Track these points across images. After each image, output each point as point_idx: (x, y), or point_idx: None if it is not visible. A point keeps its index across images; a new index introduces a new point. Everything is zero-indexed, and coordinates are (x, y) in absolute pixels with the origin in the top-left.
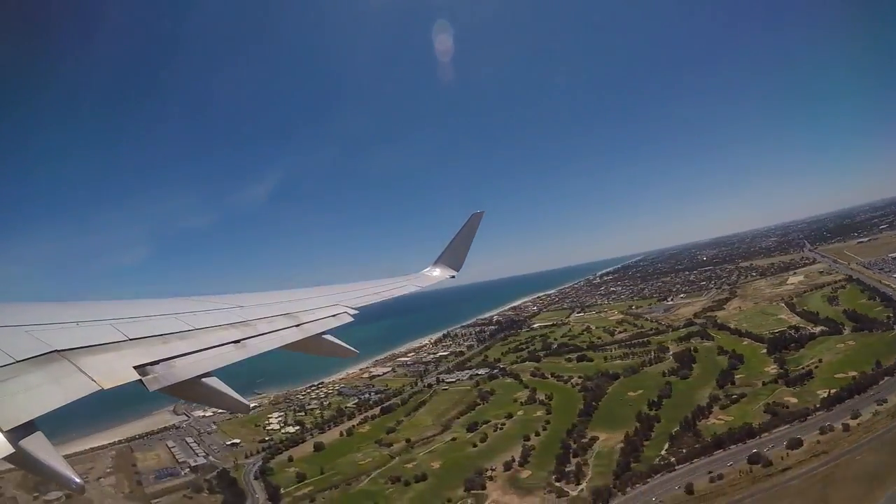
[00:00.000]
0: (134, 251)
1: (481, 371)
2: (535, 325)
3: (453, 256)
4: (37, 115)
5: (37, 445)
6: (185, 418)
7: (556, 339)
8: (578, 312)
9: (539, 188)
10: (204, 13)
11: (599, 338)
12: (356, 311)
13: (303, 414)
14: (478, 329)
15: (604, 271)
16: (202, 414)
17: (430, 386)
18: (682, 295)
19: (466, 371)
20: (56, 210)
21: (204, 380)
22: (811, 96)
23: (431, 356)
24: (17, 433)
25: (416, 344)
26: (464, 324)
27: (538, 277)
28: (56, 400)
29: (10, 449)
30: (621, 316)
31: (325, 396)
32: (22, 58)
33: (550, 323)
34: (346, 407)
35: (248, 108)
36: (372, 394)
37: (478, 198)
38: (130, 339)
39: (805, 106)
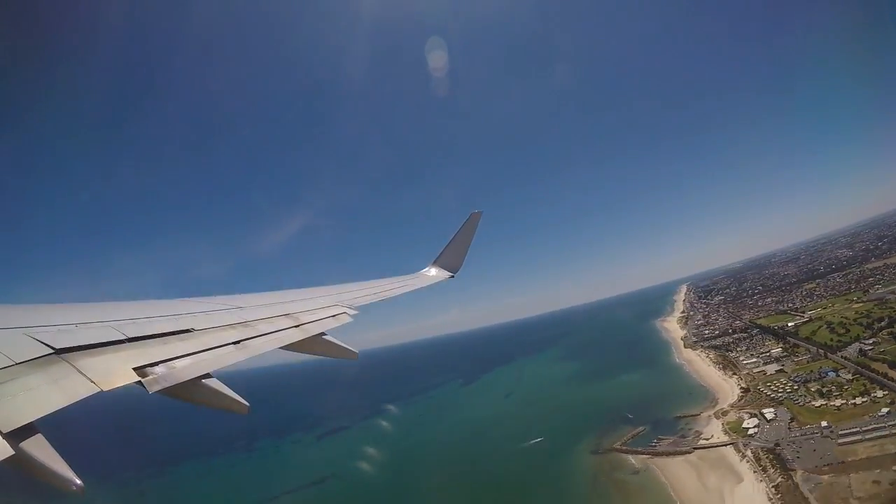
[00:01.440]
0: (141, 246)
1: None
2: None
3: (452, 257)
4: (41, 129)
5: (37, 447)
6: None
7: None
8: (807, 311)
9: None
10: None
11: None
12: (356, 312)
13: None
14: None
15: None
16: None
17: None
18: (877, 287)
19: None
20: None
21: (204, 381)
22: (820, 113)
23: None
24: (17, 436)
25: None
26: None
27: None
28: (56, 402)
29: (9, 451)
30: (861, 304)
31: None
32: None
33: (806, 319)
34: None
35: (251, 114)
36: (836, 373)
37: (474, 205)
38: (130, 341)
39: (809, 126)
